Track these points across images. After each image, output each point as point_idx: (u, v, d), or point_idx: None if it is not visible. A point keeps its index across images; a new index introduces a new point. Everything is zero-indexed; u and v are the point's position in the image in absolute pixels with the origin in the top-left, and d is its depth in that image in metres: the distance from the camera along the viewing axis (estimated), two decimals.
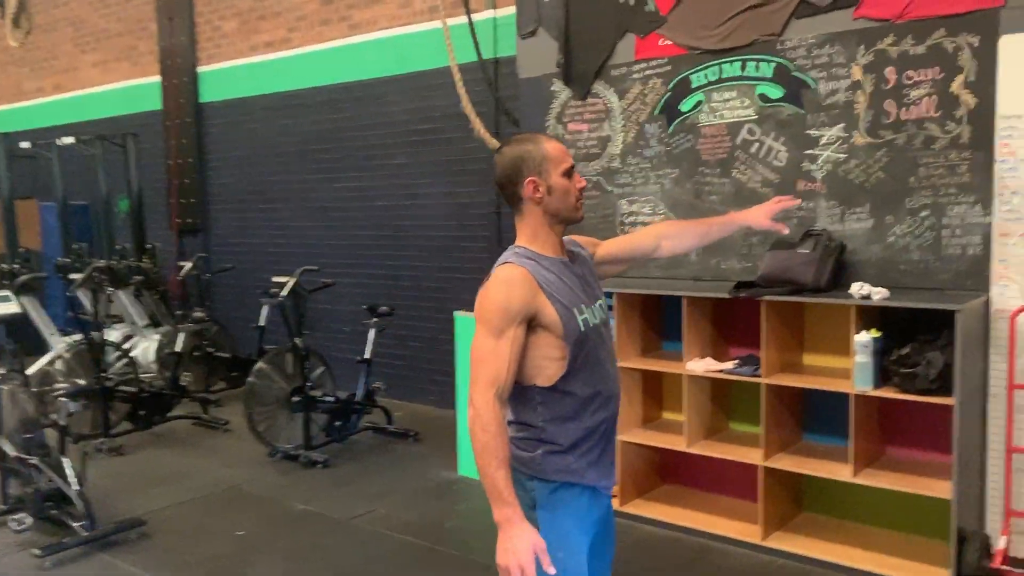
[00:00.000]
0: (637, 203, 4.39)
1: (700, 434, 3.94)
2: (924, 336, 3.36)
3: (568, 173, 2.04)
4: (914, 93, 3.52)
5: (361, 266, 6.73)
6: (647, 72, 4.28)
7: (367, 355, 5.57)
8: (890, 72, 3.57)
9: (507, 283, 1.94)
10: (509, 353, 1.91)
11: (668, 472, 4.37)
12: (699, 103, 4.12)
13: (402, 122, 6.36)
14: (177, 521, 4.30)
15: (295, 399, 5.24)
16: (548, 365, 1.98)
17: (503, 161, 2.05)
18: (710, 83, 4.08)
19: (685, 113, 4.17)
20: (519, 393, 2.00)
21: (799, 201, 2.39)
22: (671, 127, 4.23)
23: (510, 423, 2.04)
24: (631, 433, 4.11)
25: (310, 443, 5.20)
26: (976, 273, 3.42)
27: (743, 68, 3.97)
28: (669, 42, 4.19)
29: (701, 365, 3.78)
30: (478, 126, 5.21)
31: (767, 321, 3.58)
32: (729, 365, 3.76)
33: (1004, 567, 3.20)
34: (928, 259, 3.54)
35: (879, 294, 3.36)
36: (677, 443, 3.92)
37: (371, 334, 5.64)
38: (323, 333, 6.65)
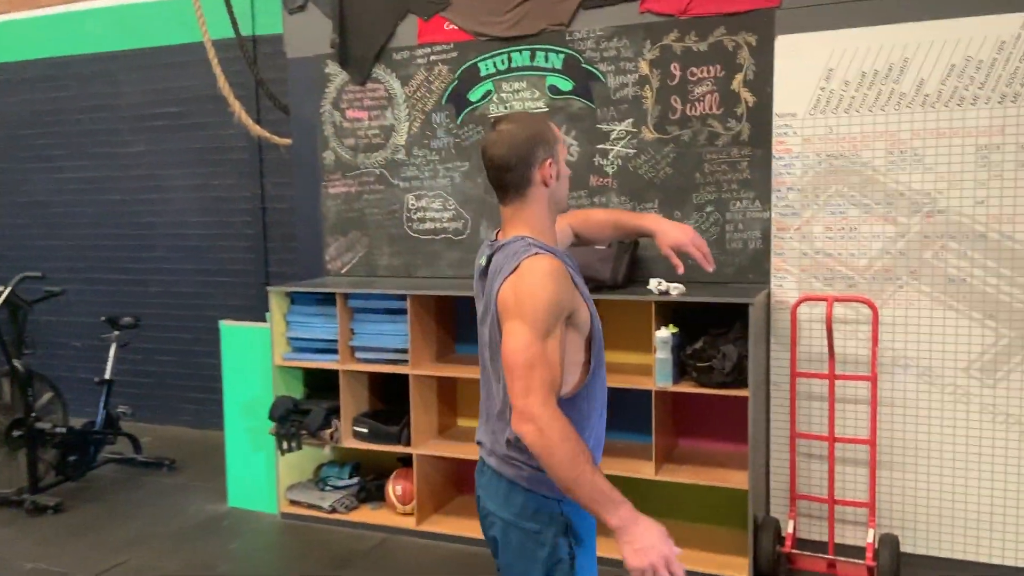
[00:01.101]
0: (425, 198, 4.10)
1: None
2: (716, 329, 3.42)
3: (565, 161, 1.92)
4: (698, 90, 3.57)
5: (97, 271, 5.79)
6: (432, 57, 4.00)
7: (107, 375, 4.77)
8: (675, 68, 3.60)
9: (553, 277, 1.71)
10: (559, 354, 1.72)
11: (466, 481, 4.14)
12: (488, 93, 3.92)
13: (141, 104, 5.53)
14: None
15: (15, 433, 4.33)
16: (573, 371, 1.80)
17: (514, 140, 1.81)
18: (499, 72, 3.89)
19: (474, 103, 3.95)
20: None
21: (712, 269, 2.16)
22: (460, 117, 3.99)
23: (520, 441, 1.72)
24: (426, 445, 3.82)
25: (37, 485, 4.33)
26: (757, 266, 3.55)
27: (533, 58, 3.82)
28: (455, 27, 3.94)
29: None
30: (238, 110, 4.62)
31: None
32: None
33: (794, 551, 3.34)
34: (714, 253, 3.59)
35: (676, 289, 3.36)
36: (476, 452, 3.68)
37: (112, 350, 4.84)
38: (51, 352, 5.64)
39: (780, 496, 3.55)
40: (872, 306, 3.28)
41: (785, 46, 3.41)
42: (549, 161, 1.83)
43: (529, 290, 1.70)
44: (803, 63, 3.38)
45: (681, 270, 2.13)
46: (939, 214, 3.25)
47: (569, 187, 1.96)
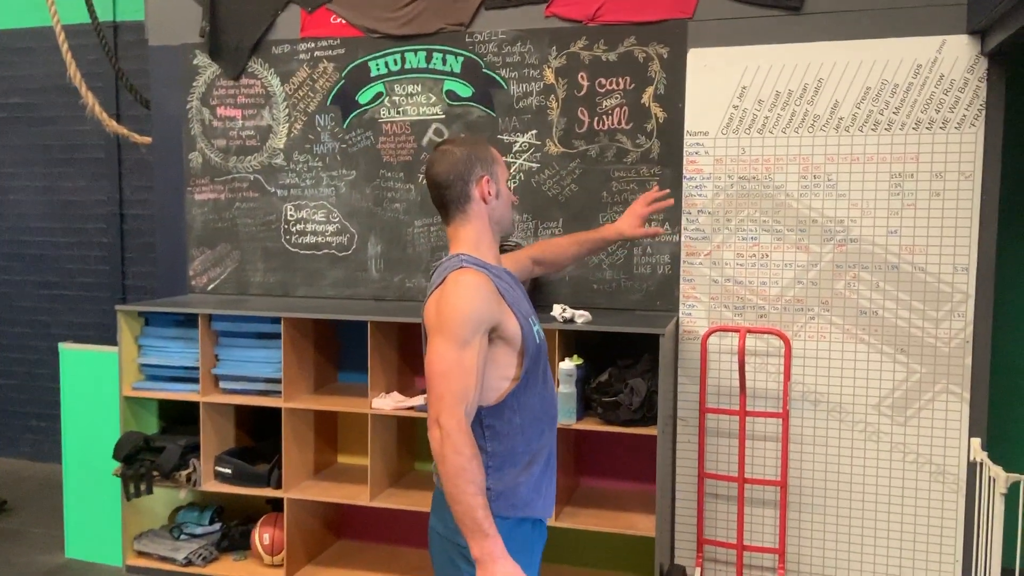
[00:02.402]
0: (306, 208, 3.68)
1: (385, 482, 3.35)
2: (623, 361, 3.17)
3: (507, 182, 2.02)
4: (607, 102, 3.33)
5: None
6: (316, 53, 3.60)
7: None
8: (583, 78, 3.34)
9: (473, 288, 1.79)
10: (476, 365, 1.76)
11: (344, 525, 3.72)
12: (380, 95, 3.55)
13: None
14: None
15: None
16: (500, 384, 1.84)
17: (453, 158, 1.90)
18: (392, 73, 3.53)
19: (363, 106, 3.57)
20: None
21: (667, 192, 2.44)
22: (346, 121, 3.60)
23: None
24: (299, 487, 3.39)
25: None
26: (666, 293, 3.32)
27: (429, 60, 3.49)
28: (342, 20, 3.56)
29: (389, 402, 3.20)
30: (92, 103, 4.07)
31: None
32: (420, 400, 3.23)
33: None
34: (620, 278, 3.37)
35: (582, 317, 3.08)
36: (358, 495, 3.29)
37: None
38: None
39: (686, 541, 3.31)
40: (784, 338, 3.10)
41: (698, 60, 3.21)
42: (486, 178, 1.90)
43: (450, 302, 1.77)
44: (716, 79, 3.19)
45: (662, 231, 2.49)
46: (852, 243, 3.10)
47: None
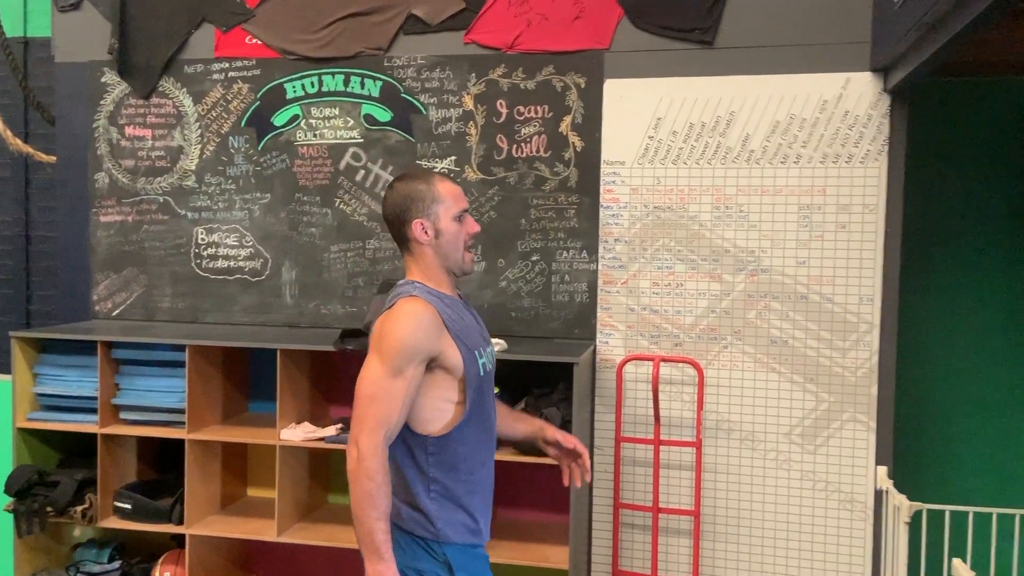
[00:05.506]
0: (219, 232, 3.57)
1: (294, 516, 3.24)
2: (539, 390, 3.14)
3: (459, 217, 1.99)
4: (525, 130, 3.33)
5: None
6: (231, 74, 3.52)
7: None
8: (502, 105, 3.34)
9: (415, 318, 1.86)
10: (404, 395, 1.82)
11: (253, 562, 3.58)
12: (296, 117, 3.48)
13: None
14: None
15: None
16: (445, 410, 1.91)
17: (392, 198, 1.99)
18: (308, 95, 3.47)
19: (279, 128, 3.50)
20: (410, 442, 1.91)
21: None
22: (261, 143, 3.52)
23: (396, 476, 1.92)
24: (203, 523, 3.25)
25: None
26: (583, 321, 3.31)
27: (347, 83, 3.44)
28: (258, 41, 3.49)
29: (298, 433, 3.10)
30: None
31: None
32: (332, 431, 3.14)
33: None
34: (539, 306, 3.35)
35: (498, 345, 3.04)
36: (265, 530, 3.17)
37: None
38: None
39: (602, 571, 3.28)
40: (698, 367, 3.11)
41: (614, 91, 3.23)
42: (419, 221, 1.95)
43: (390, 328, 1.84)
44: (632, 110, 3.22)
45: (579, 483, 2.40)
46: (763, 273, 3.15)
47: (466, 246, 2.03)
